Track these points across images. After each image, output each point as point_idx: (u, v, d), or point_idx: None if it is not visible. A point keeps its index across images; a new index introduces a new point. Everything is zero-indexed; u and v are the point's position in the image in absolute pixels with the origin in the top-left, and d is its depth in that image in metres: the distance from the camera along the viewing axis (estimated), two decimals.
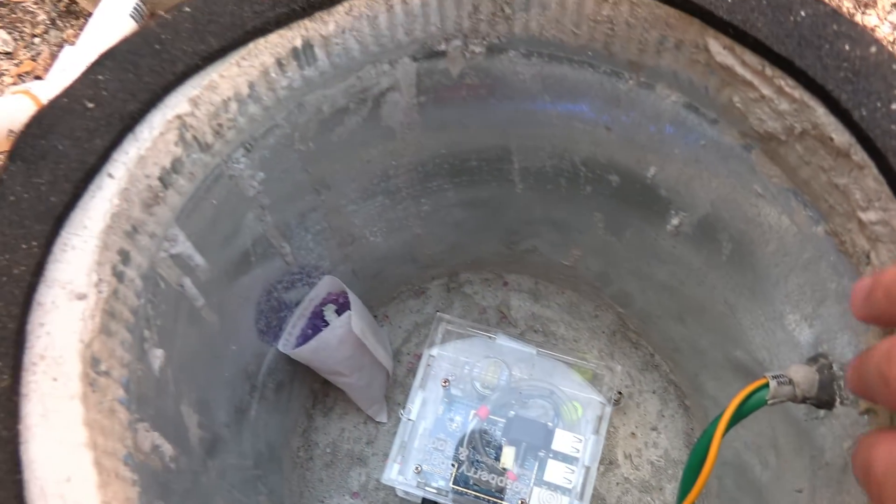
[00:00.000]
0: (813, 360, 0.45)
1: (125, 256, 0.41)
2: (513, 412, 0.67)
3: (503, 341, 0.70)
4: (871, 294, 0.31)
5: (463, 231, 0.73)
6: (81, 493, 0.33)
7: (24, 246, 0.37)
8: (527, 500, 0.63)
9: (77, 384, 0.35)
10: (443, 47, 0.50)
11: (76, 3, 0.93)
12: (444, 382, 0.68)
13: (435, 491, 0.64)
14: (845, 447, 0.42)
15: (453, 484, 0.65)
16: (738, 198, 0.49)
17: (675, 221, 0.57)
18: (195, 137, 0.44)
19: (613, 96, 0.51)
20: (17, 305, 0.36)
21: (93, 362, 0.37)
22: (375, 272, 0.74)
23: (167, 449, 0.44)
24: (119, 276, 0.40)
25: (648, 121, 0.51)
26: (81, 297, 0.37)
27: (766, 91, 0.40)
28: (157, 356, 0.45)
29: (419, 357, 0.73)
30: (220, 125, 0.46)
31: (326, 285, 0.68)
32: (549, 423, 0.66)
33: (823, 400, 0.44)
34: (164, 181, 0.43)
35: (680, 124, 0.49)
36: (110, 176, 0.40)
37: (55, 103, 0.40)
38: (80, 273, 0.38)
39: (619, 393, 0.73)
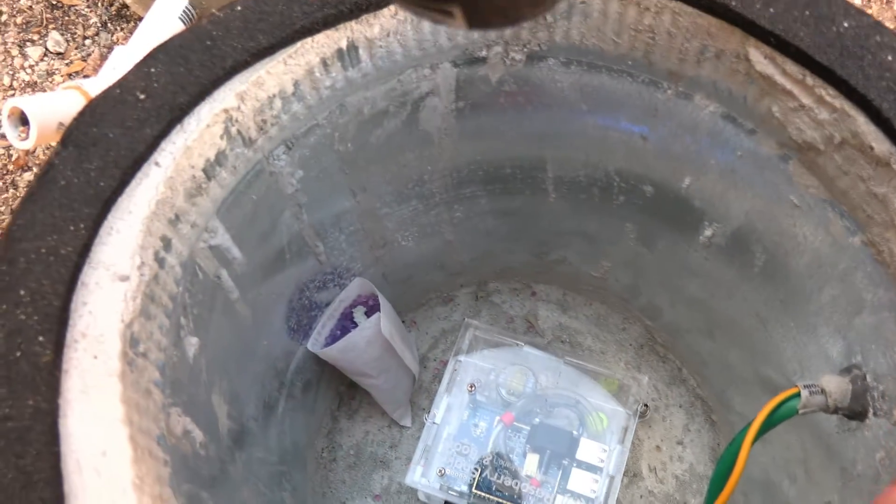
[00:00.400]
0: (846, 370, 0.45)
1: (167, 243, 0.42)
2: (538, 419, 0.67)
3: (530, 350, 0.70)
4: None
5: (494, 239, 0.74)
6: (116, 467, 0.34)
7: (71, 228, 0.38)
8: None
9: (116, 362, 0.36)
10: (484, 53, 0.51)
11: (127, 6, 0.96)
12: (470, 388, 0.68)
13: (457, 494, 0.64)
14: (878, 458, 0.41)
15: (476, 489, 0.65)
16: (773, 209, 0.49)
17: (708, 233, 0.57)
18: (239, 132, 0.45)
19: (651, 106, 0.51)
20: (62, 284, 0.37)
21: (132, 342, 0.38)
22: (405, 277, 0.75)
23: (198, 435, 0.45)
24: (160, 261, 0.41)
25: (685, 131, 0.51)
26: (124, 278, 0.38)
27: (806, 100, 0.40)
28: (192, 344, 0.46)
29: (445, 363, 0.73)
30: (264, 121, 0.47)
31: (357, 287, 0.69)
32: (574, 432, 0.66)
33: (856, 411, 0.44)
34: (208, 173, 0.44)
35: (717, 135, 0.49)
36: (157, 164, 0.42)
37: (108, 94, 0.42)
38: (124, 256, 0.39)
39: (645, 405, 0.72)
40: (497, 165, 0.62)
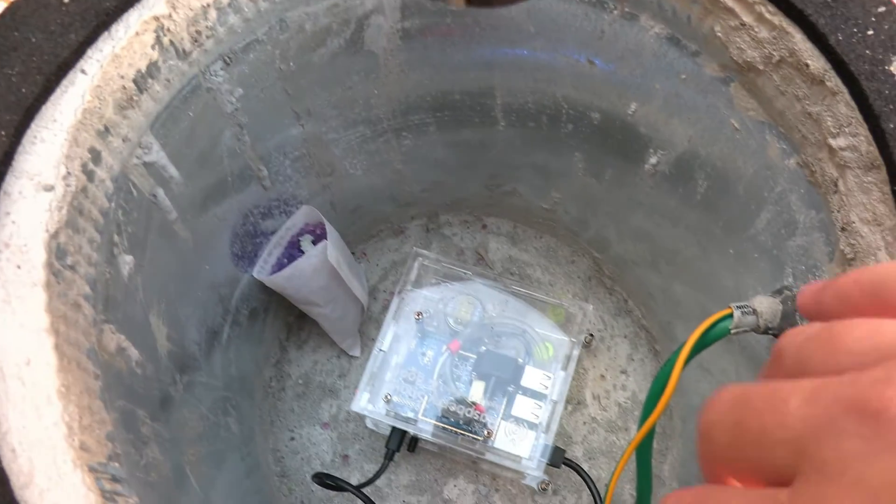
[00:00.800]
0: (777, 291, 0.46)
1: (96, 155, 0.41)
2: (484, 348, 0.68)
3: (478, 280, 0.71)
4: (822, 293, 0.29)
5: (444, 170, 0.73)
6: (40, 375, 0.33)
7: None
8: (494, 432, 0.64)
9: (41, 272, 0.35)
10: None
11: None
12: (417, 315, 0.68)
13: (404, 420, 0.65)
14: None
15: (423, 415, 0.66)
16: (714, 134, 0.50)
17: (653, 160, 0.57)
18: (172, 42, 0.44)
19: (598, 28, 0.51)
20: None
21: (58, 253, 0.37)
22: (354, 207, 0.74)
23: (133, 353, 0.44)
24: (89, 174, 0.40)
25: (631, 55, 0.51)
26: (49, 188, 0.37)
27: (747, 18, 0.40)
28: (127, 262, 0.45)
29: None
30: (198, 32, 0.45)
31: (304, 215, 0.68)
32: (520, 360, 0.67)
33: (785, 330, 0.45)
34: (139, 84, 0.43)
35: (662, 58, 0.49)
36: (83, 72, 0.40)
37: None
38: (49, 165, 0.38)
39: (591, 334, 0.73)
40: (445, 91, 0.61)
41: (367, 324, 0.78)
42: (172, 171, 0.49)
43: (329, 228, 0.66)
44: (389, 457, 0.68)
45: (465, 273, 0.71)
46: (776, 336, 0.45)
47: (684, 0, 0.43)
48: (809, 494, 0.18)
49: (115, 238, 0.44)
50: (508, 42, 0.55)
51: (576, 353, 0.67)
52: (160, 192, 0.48)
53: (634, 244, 0.70)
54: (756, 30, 0.40)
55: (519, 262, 0.79)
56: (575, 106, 0.59)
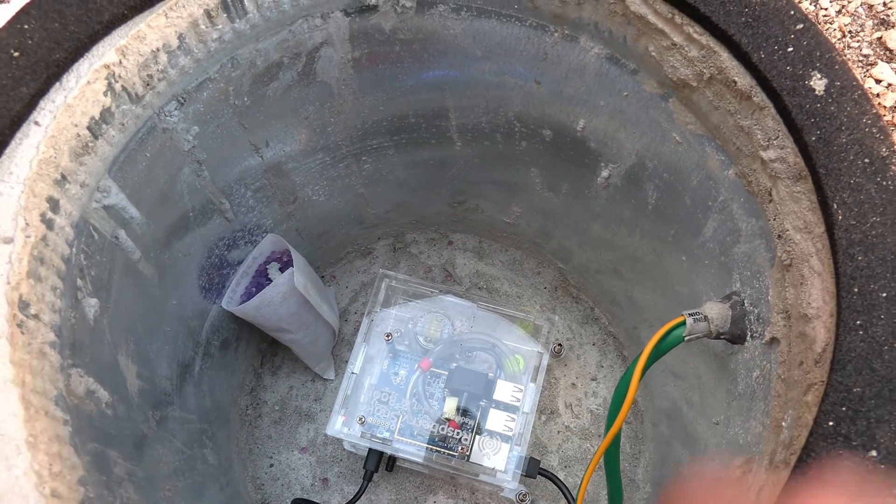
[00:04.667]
0: (727, 297, 0.48)
1: (54, 204, 0.41)
2: (455, 364, 0.69)
3: (445, 297, 0.72)
4: None
5: (406, 190, 0.74)
6: (8, 427, 0.34)
7: None
8: (468, 447, 0.65)
9: (3, 324, 0.36)
10: (374, 1, 0.51)
11: None
12: (387, 336, 0.69)
13: (380, 441, 0.66)
14: (754, 377, 0.44)
15: (398, 435, 0.67)
16: (659, 147, 0.51)
17: (605, 174, 0.59)
18: (124, 88, 0.45)
19: (541, 50, 0.52)
20: None
21: (21, 305, 0.38)
22: (320, 232, 0.75)
23: (103, 395, 0.45)
24: (48, 223, 0.41)
25: (575, 74, 0.53)
26: (8, 241, 0.38)
27: (677, 38, 0.42)
28: (92, 305, 0.45)
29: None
30: (150, 76, 0.46)
31: (270, 243, 0.69)
32: (490, 374, 0.68)
33: (736, 334, 0.46)
34: (94, 131, 0.44)
35: (604, 76, 0.51)
36: (37, 124, 0.41)
37: None
38: (6, 218, 0.38)
39: (560, 344, 0.75)
40: (400, 115, 0.63)
41: (340, 346, 0.79)
42: (133, 211, 0.50)
43: (295, 255, 0.67)
44: (368, 478, 0.69)
45: (432, 291, 0.72)
46: (728, 340, 0.47)
47: (619, 22, 0.45)
48: None
49: (79, 282, 0.44)
50: (457, 66, 0.57)
51: (545, 363, 0.68)
52: (122, 234, 0.49)
53: (596, 253, 0.71)
54: (686, 49, 0.42)
55: (486, 276, 0.81)
56: (527, 124, 0.60)
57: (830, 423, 0.31)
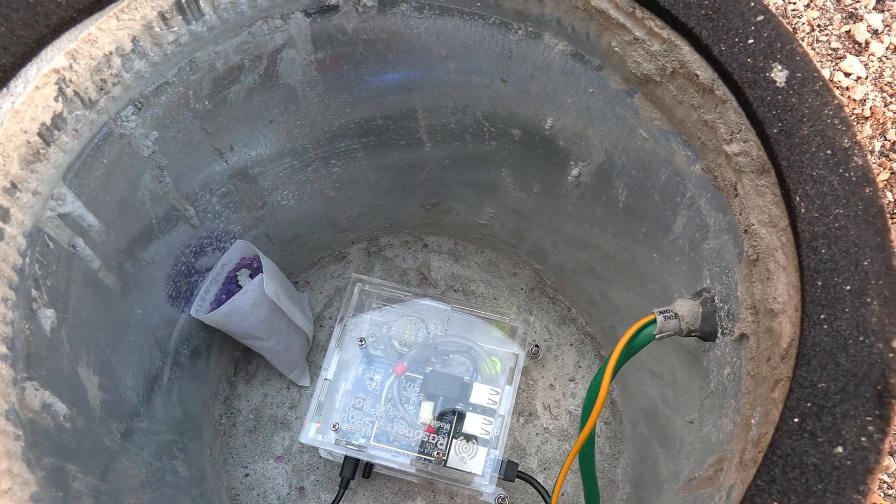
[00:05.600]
0: (697, 294, 0.47)
1: (4, 213, 0.40)
2: (430, 368, 0.68)
3: (420, 300, 0.71)
4: None
5: (378, 193, 0.73)
6: None
7: None
8: (445, 451, 0.64)
9: None
10: (334, 1, 0.50)
11: None
12: (361, 342, 0.68)
13: (356, 448, 0.65)
14: (725, 374, 0.44)
15: (374, 441, 0.66)
16: (627, 144, 0.51)
17: (575, 172, 0.58)
18: (77, 93, 0.44)
19: (506, 48, 0.52)
20: None
21: None
22: (292, 237, 0.74)
23: (60, 408, 0.44)
24: None
25: (540, 72, 0.52)
26: None
27: (639, 33, 0.41)
28: (48, 316, 0.44)
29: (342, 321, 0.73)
30: (103, 80, 0.45)
31: (239, 250, 0.68)
32: (466, 378, 0.67)
33: (707, 331, 0.46)
34: (45, 137, 0.42)
35: (569, 73, 0.50)
36: None
37: None
38: None
39: (536, 345, 0.74)
40: (368, 118, 0.62)
41: (315, 352, 0.77)
42: (91, 219, 0.48)
43: (265, 261, 0.66)
44: (344, 485, 0.68)
45: (406, 295, 0.71)
46: (700, 338, 0.47)
47: (581, 18, 0.45)
48: None
49: (34, 293, 0.43)
50: (422, 66, 0.56)
51: (520, 365, 0.67)
52: (80, 242, 0.48)
53: (570, 253, 0.71)
54: (648, 43, 0.41)
55: (462, 279, 0.80)
56: (495, 123, 0.60)
57: (796, 420, 0.31)
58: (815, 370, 0.31)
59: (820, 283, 0.32)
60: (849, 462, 0.30)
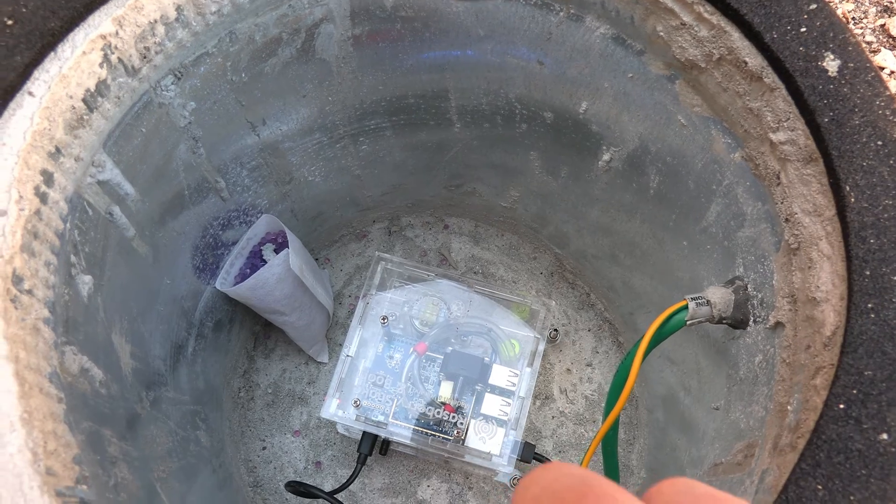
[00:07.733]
0: (730, 282, 0.47)
1: (48, 177, 0.40)
2: (451, 348, 0.68)
3: (442, 281, 0.71)
4: None
5: (403, 173, 0.73)
6: (2, 403, 0.33)
7: None
8: (464, 431, 0.65)
9: None
10: None
11: None
12: (383, 320, 0.69)
13: (374, 424, 0.66)
14: (756, 362, 0.44)
15: (393, 418, 0.66)
16: (663, 130, 0.51)
17: (606, 157, 0.58)
18: (121, 60, 0.44)
19: (545, 30, 0.52)
20: None
21: (14, 279, 0.37)
22: (316, 214, 0.74)
23: (97, 374, 0.44)
24: (42, 196, 0.40)
25: (579, 55, 0.52)
26: (2, 213, 0.37)
27: (687, 18, 0.41)
28: (86, 282, 0.45)
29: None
30: (146, 49, 0.45)
31: (264, 224, 0.68)
32: (486, 359, 0.68)
33: (738, 319, 0.46)
34: (89, 103, 0.43)
35: (609, 57, 0.50)
36: (31, 94, 0.40)
37: None
38: (0, 190, 0.37)
39: (555, 330, 0.74)
40: (399, 96, 0.62)
41: (334, 329, 0.78)
42: (128, 187, 0.49)
43: (290, 236, 0.66)
44: (362, 461, 0.68)
45: (428, 274, 0.71)
46: (731, 325, 0.47)
47: (627, 1, 0.44)
48: None
49: (73, 259, 0.43)
50: (459, 45, 0.56)
51: (541, 348, 0.68)
52: (116, 210, 0.48)
53: (593, 238, 0.71)
54: (696, 29, 0.41)
55: (482, 261, 0.80)
56: (528, 106, 0.60)
57: (841, 406, 0.31)
58: (861, 358, 0.31)
59: (868, 273, 0.33)
60: (893, 449, 0.30)
